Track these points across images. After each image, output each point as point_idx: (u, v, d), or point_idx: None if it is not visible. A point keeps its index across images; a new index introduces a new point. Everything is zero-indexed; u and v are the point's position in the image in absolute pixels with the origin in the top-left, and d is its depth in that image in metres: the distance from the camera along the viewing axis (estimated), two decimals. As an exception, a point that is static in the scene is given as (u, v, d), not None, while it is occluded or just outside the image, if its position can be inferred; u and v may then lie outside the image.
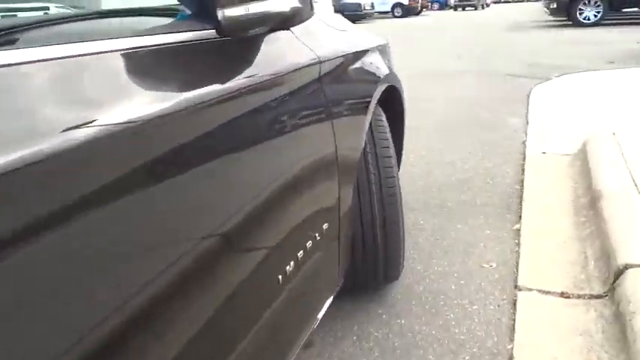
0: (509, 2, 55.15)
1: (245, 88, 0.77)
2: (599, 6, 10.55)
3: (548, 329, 1.35)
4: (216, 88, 0.71)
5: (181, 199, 0.61)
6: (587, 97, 3.77)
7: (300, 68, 0.96)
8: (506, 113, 3.59)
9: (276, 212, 0.86)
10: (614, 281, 1.44)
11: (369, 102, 1.27)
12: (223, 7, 0.73)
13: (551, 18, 12.26)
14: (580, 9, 10.69)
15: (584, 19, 10.73)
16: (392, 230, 1.37)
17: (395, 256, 1.42)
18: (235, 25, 0.78)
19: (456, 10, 31.96)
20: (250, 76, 0.81)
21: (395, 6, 23.71)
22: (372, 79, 1.37)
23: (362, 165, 1.31)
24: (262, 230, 0.80)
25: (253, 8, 0.82)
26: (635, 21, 10.82)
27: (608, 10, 10.52)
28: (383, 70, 1.48)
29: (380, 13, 23.10)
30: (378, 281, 1.47)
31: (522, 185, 2.29)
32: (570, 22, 10.92)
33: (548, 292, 1.51)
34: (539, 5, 14.14)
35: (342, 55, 1.20)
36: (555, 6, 11.02)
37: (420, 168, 2.60)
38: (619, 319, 1.31)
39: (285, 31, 1.00)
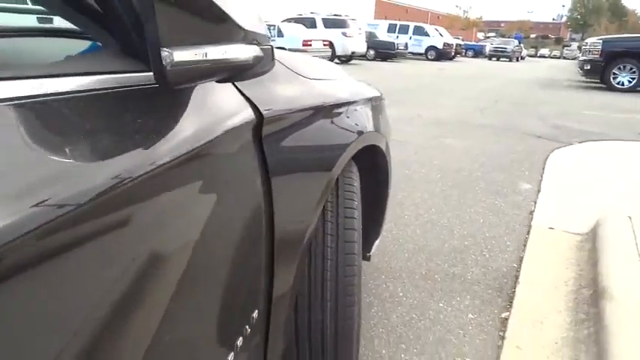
0: (545, 57, 55.31)
1: (168, 154, 0.60)
2: (634, 72, 10.34)
3: None
4: (140, 156, 0.55)
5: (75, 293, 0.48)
6: (608, 168, 3.54)
7: (231, 128, 0.79)
8: (519, 177, 3.37)
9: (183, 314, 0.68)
10: (606, 408, 1.21)
11: (332, 165, 1.10)
12: (171, 47, 0.55)
13: (584, 79, 12.05)
14: (614, 73, 10.50)
15: (618, 84, 10.51)
16: (344, 322, 1.17)
17: (346, 351, 1.22)
18: (184, 74, 0.60)
19: (490, 59, 32.04)
20: (174, 139, 0.63)
21: (429, 49, 23.82)
22: (344, 137, 1.20)
23: (317, 238, 1.13)
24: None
25: (213, 53, 0.65)
26: (671, 92, 10.53)
27: (644, 77, 10.29)
28: (362, 127, 1.31)
29: (413, 54, 23.22)
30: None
31: (521, 264, 2.07)
32: (604, 86, 10.70)
33: (526, 408, 1.29)
34: (575, 63, 13.93)
35: (302, 110, 1.04)
36: (589, 68, 10.84)
37: (413, 229, 2.40)
38: None
39: (224, 83, 0.84)
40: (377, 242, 1.72)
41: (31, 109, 0.49)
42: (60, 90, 0.53)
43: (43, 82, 0.52)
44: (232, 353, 0.79)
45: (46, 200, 0.43)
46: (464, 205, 2.77)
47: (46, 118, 0.51)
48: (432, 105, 6.97)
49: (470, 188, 3.09)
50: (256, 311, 0.89)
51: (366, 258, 1.67)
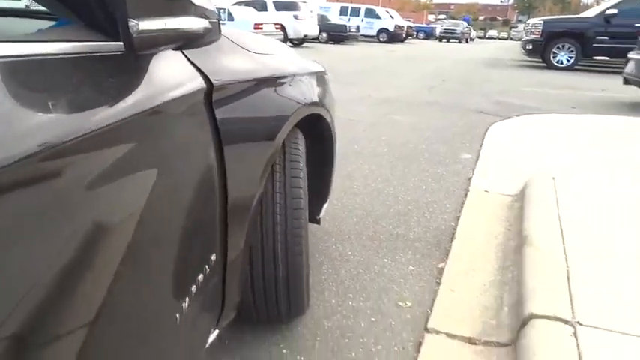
0: (493, 38, 56.97)
1: (131, 110, 0.70)
2: (572, 51, 10.92)
3: (445, 377, 1.32)
4: (105, 112, 0.64)
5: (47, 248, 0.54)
6: (541, 138, 3.83)
7: (184, 93, 0.91)
8: (461, 148, 3.61)
9: (160, 246, 0.80)
10: (520, 330, 1.42)
11: (278, 131, 1.23)
12: (136, 18, 0.67)
13: (527, 58, 12.61)
14: (554, 52, 11.05)
15: (557, 62, 11.08)
16: (294, 268, 1.32)
17: (297, 293, 1.38)
18: (148, 41, 0.73)
19: (440, 41, 32.71)
20: (136, 99, 0.73)
21: (380, 31, 24.11)
22: (288, 106, 1.34)
23: (267, 195, 1.27)
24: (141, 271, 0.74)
25: (170, 23, 0.78)
26: (605, 69, 11.21)
27: (581, 56, 10.89)
28: (306, 97, 1.45)
29: (365, 36, 23.45)
30: (280, 315, 1.42)
31: (458, 222, 2.29)
32: (545, 65, 11.25)
33: (455, 337, 1.48)
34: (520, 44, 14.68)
35: (248, 80, 1.17)
36: (531, 47, 11.36)
37: (362, 197, 2.58)
38: (516, 371, 1.29)
39: (175, 52, 0.96)
40: (326, 206, 1.87)
41: (6, 69, 0.58)
42: (30, 53, 0.62)
43: (15, 46, 0.62)
44: (194, 286, 0.93)
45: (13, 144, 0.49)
46: (409, 175, 2.97)
47: (16, 77, 0.59)
48: (383, 85, 7.18)
49: (415, 159, 3.30)
50: (214, 254, 1.02)
51: (316, 221, 1.83)
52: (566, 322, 1.39)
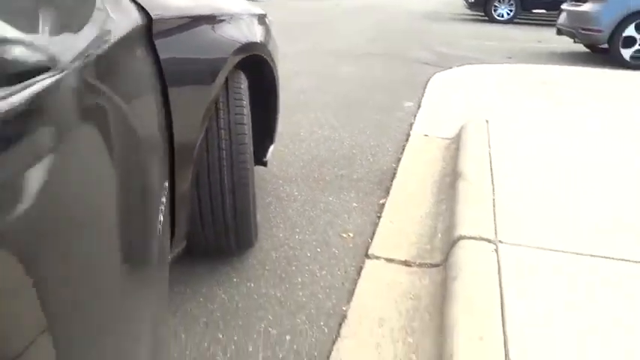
0: (439, -7, 57.02)
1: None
2: (512, 5, 11.20)
3: (383, 294, 1.45)
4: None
5: None
6: (478, 86, 4.01)
7: (124, 27, 0.93)
8: (404, 97, 3.73)
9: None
10: (449, 251, 1.57)
11: (219, 69, 1.27)
12: None
13: (469, 12, 12.82)
14: (495, 6, 11.30)
15: (499, 15, 11.35)
16: (241, 200, 1.39)
17: (245, 225, 1.45)
18: None
19: (387, -5, 32.48)
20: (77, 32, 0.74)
21: (327, -15, 23.64)
22: (229, 45, 1.37)
23: (212, 131, 1.32)
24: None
25: None
26: (543, 22, 11.60)
27: (521, 9, 11.21)
28: (247, 38, 1.48)
29: (312, -10, 22.95)
30: (230, 248, 1.50)
31: (399, 163, 2.42)
32: (486, 18, 11.50)
33: (393, 261, 1.62)
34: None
35: (189, 16, 1.19)
36: (473, 1, 11.56)
37: (308, 143, 2.66)
38: (445, 284, 1.44)
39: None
40: (272, 148, 1.93)
41: None
42: None
43: None
44: (162, 207, 0.98)
45: None
46: (354, 122, 3.07)
47: None
48: (328, 38, 7.16)
49: (360, 108, 3.40)
50: (166, 183, 1.07)
51: (263, 163, 1.89)
52: (489, 241, 1.55)
